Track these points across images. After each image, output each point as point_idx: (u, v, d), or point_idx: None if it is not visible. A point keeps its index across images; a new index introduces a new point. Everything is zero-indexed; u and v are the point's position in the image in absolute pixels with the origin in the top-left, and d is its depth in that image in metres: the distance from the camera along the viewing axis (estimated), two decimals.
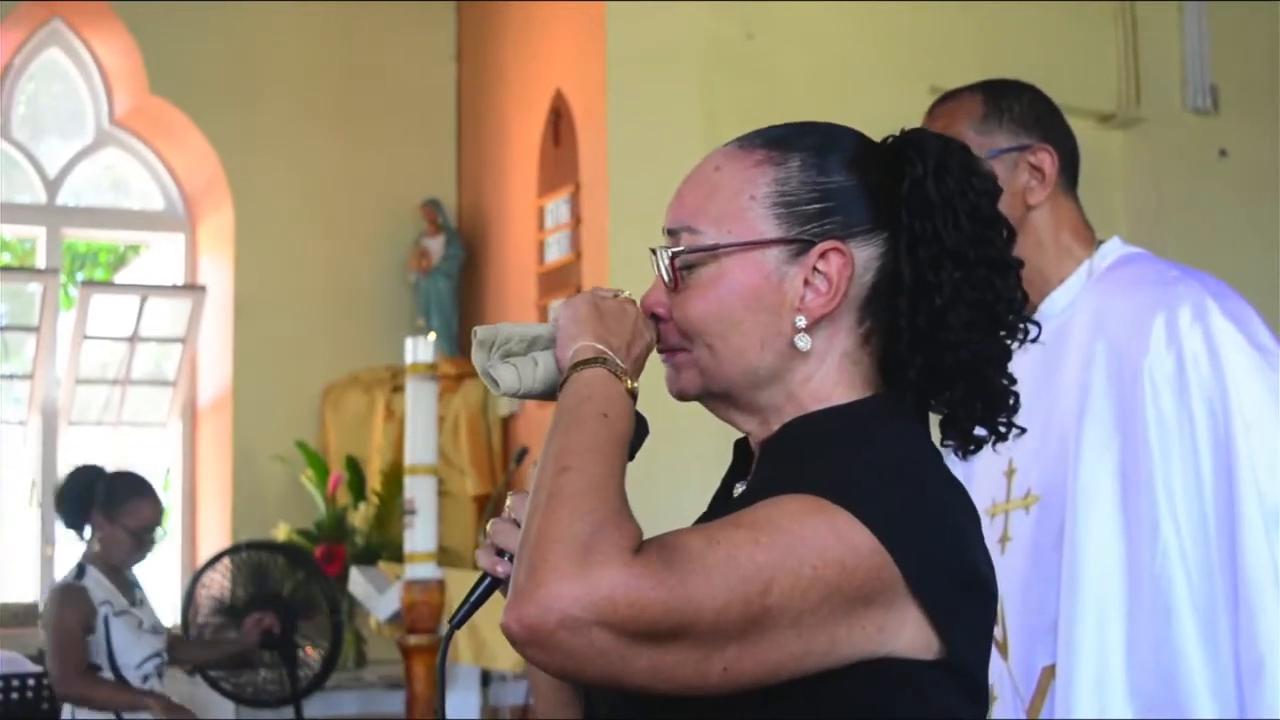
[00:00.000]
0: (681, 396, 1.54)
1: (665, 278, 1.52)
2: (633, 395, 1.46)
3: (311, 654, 6.27)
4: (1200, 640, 2.07)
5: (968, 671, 1.42)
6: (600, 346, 1.46)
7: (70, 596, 4.60)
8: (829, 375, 1.50)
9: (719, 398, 1.53)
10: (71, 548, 7.07)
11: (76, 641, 4.54)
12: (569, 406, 1.43)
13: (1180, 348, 2.13)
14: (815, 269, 1.47)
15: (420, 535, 4.96)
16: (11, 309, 7.24)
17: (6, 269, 7.99)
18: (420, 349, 5.06)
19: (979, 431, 1.54)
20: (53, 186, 7.23)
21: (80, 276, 8.13)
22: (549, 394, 1.52)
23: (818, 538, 1.32)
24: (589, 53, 6.16)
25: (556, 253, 6.35)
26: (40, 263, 7.23)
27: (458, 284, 7.09)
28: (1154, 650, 2.09)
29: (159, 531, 4.76)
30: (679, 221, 1.52)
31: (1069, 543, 2.18)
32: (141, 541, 4.69)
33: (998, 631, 2.28)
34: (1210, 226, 6.62)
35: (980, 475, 2.39)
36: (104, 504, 4.65)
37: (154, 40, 6.96)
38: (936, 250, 1.46)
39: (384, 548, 6.33)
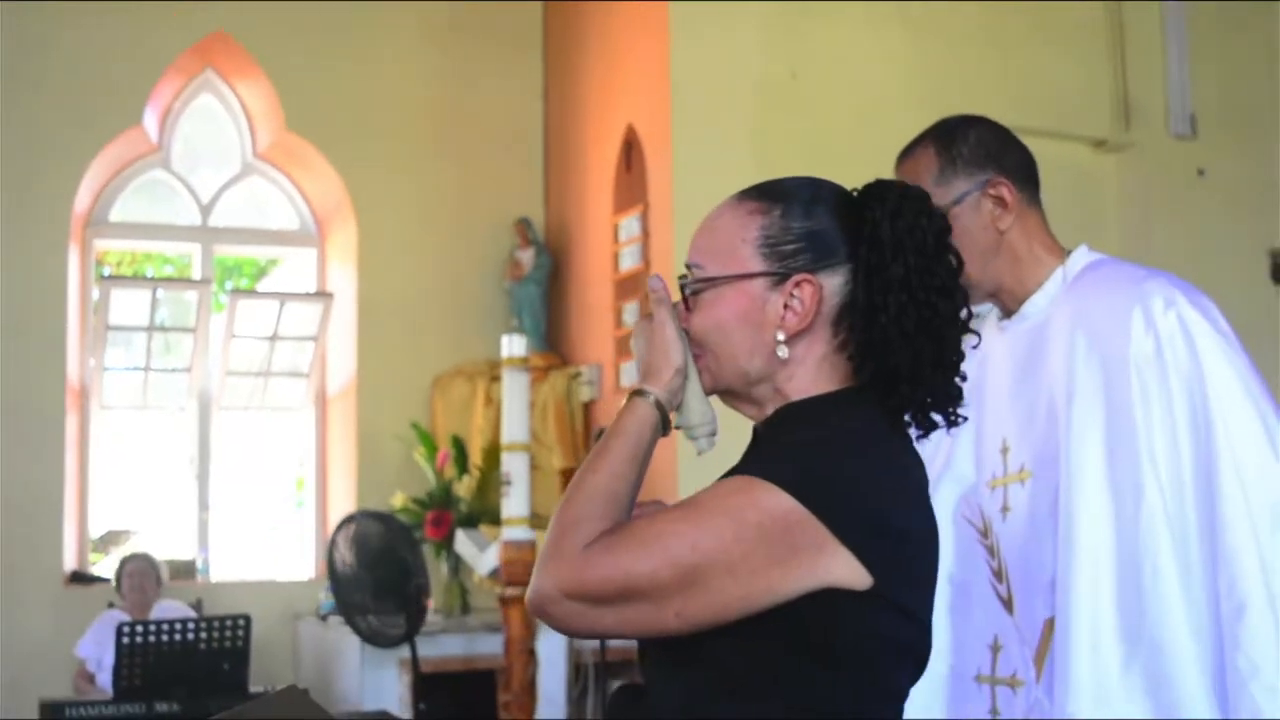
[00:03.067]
0: (706, 392, 1.68)
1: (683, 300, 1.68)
2: (658, 404, 1.63)
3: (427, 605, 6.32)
4: (1181, 587, 2.04)
5: (898, 600, 1.54)
6: (639, 385, 1.65)
7: None
8: (808, 375, 1.63)
9: (726, 393, 1.68)
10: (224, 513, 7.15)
11: None
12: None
13: (1157, 333, 2.10)
14: (791, 295, 1.62)
15: (515, 503, 4.99)
16: (173, 313, 7.31)
17: (169, 280, 8.10)
18: (514, 345, 5.07)
19: (936, 417, 1.66)
20: (206, 210, 7.29)
21: (229, 285, 8.24)
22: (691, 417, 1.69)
23: (737, 508, 1.50)
24: (656, 92, 6.17)
25: (629, 263, 6.35)
26: (196, 274, 7.29)
27: (546, 290, 7.10)
28: (1140, 598, 2.06)
29: None
30: (692, 258, 1.68)
31: (1064, 509, 2.14)
32: None
33: (1002, 589, 2.27)
34: (1194, 238, 6.55)
35: (983, 452, 2.37)
36: None
37: (290, 86, 7.01)
38: (885, 279, 1.59)
39: (484, 513, 6.36)
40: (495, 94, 7.34)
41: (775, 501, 1.49)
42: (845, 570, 1.49)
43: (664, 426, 1.63)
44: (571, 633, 1.53)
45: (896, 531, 1.55)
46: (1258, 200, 6.90)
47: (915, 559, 1.59)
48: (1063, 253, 2.30)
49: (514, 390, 5.04)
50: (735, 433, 1.80)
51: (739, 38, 6.11)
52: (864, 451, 1.57)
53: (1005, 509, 2.27)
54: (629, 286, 6.34)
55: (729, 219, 1.67)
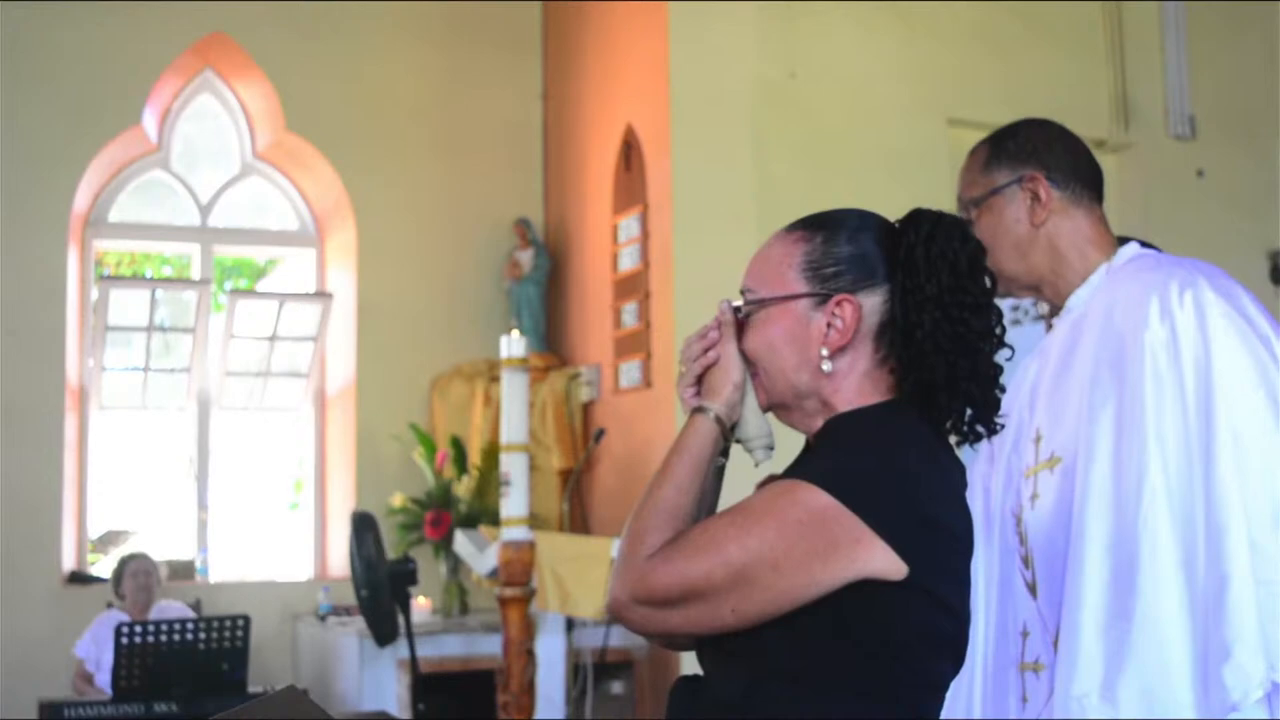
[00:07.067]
0: (761, 408, 1.84)
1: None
2: (718, 418, 1.79)
3: (424, 605, 6.31)
4: (1180, 566, 2.04)
5: (933, 590, 1.66)
6: (700, 402, 1.81)
7: None
8: (852, 387, 1.78)
9: (779, 407, 1.83)
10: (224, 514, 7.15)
11: None
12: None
13: (1173, 319, 2.13)
14: (833, 314, 1.76)
15: (514, 503, 4.97)
16: (172, 313, 7.31)
17: (168, 280, 8.11)
18: (514, 345, 5.06)
19: (978, 427, 1.79)
20: (205, 210, 7.31)
21: (228, 285, 8.24)
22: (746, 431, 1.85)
23: (780, 508, 1.65)
24: (655, 92, 6.17)
25: (629, 263, 6.36)
26: (195, 274, 7.30)
27: (545, 290, 7.11)
28: (1135, 576, 2.06)
29: None
30: (745, 284, 1.84)
31: (1078, 491, 2.17)
32: None
33: (1028, 574, 2.29)
34: (1193, 238, 6.55)
35: (1022, 444, 2.38)
36: None
37: (289, 86, 7.03)
38: (920, 298, 1.73)
39: (483, 514, 6.36)
40: (494, 94, 7.35)
41: (814, 499, 1.63)
42: (882, 561, 1.62)
43: (725, 441, 1.79)
44: (646, 634, 1.72)
45: (931, 524, 1.67)
46: (1257, 201, 6.91)
47: (950, 552, 1.70)
48: (1113, 249, 2.36)
49: (513, 391, 5.02)
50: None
51: (738, 38, 6.12)
52: (902, 451, 1.70)
53: (1035, 496, 2.30)
54: (628, 287, 6.34)
55: (777, 247, 1.83)
